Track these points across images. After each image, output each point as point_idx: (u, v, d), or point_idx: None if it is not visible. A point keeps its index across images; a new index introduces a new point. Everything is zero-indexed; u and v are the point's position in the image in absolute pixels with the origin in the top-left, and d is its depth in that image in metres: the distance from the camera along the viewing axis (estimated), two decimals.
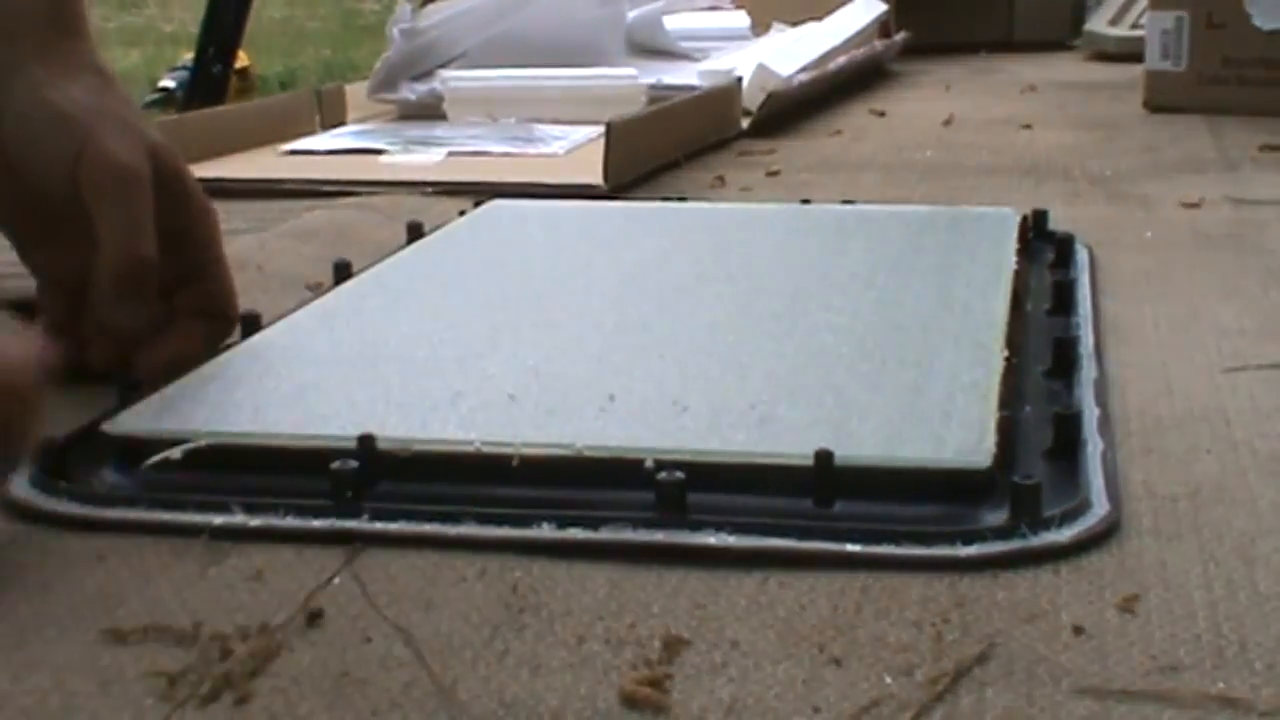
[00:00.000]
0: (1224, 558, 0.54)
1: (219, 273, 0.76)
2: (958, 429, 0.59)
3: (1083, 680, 0.45)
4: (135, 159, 0.69)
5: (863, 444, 0.59)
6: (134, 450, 0.62)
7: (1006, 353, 0.68)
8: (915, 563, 0.53)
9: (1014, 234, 0.91)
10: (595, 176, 1.24)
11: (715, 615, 0.50)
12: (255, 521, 0.57)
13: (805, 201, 1.09)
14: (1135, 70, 1.77)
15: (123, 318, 0.69)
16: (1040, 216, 1.01)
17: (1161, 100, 1.69)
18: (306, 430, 0.62)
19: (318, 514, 0.57)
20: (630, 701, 0.45)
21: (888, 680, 0.46)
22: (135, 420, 0.63)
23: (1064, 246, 0.95)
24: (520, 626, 0.50)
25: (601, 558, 0.54)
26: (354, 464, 0.58)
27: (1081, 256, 0.95)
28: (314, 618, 0.50)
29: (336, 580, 0.53)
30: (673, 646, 0.48)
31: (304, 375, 0.68)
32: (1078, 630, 0.48)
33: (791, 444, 0.58)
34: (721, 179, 1.32)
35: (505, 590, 0.52)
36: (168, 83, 3.95)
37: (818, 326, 0.73)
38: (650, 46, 1.93)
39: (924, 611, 0.50)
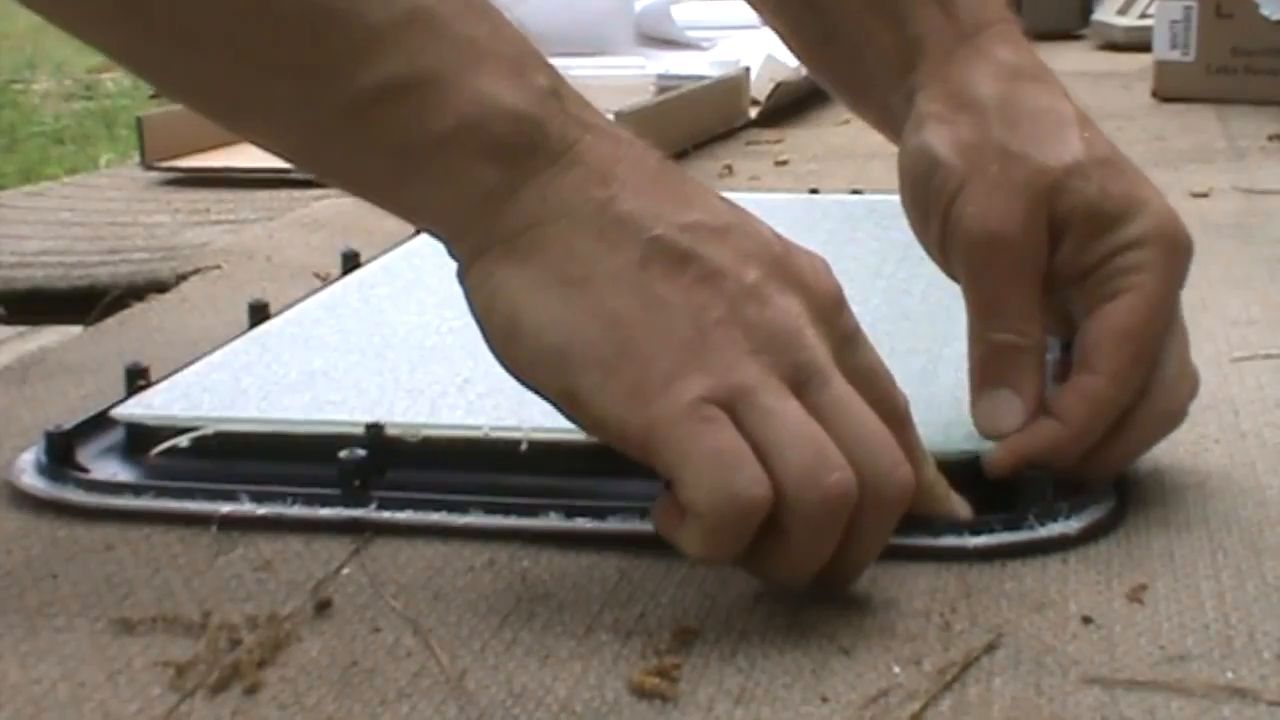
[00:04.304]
0: (1232, 548, 0.54)
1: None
2: (969, 415, 0.59)
3: (1091, 670, 0.45)
4: (1005, 222, 0.56)
5: None
6: (142, 438, 0.62)
7: None
8: (924, 552, 0.53)
9: None
10: None
11: (724, 605, 0.50)
12: (263, 510, 0.57)
13: (813, 191, 1.09)
14: (1144, 60, 1.77)
15: (1002, 416, 0.57)
16: None
17: (1170, 90, 1.68)
18: (315, 416, 0.62)
19: (325, 503, 0.57)
20: (639, 691, 0.45)
21: (896, 670, 0.46)
22: (144, 406, 0.63)
23: None
24: (529, 616, 0.50)
25: (609, 547, 0.54)
26: (362, 453, 0.58)
27: None
28: (322, 607, 0.50)
29: (345, 570, 0.53)
30: (681, 636, 0.48)
31: (312, 362, 0.68)
32: (1086, 620, 0.48)
33: None
34: (730, 168, 1.32)
35: (514, 580, 0.52)
36: None
37: None
38: (658, 36, 1.93)
39: (932, 601, 0.50)
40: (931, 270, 0.81)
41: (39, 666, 0.47)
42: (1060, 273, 0.57)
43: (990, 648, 0.47)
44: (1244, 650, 0.46)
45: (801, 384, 0.48)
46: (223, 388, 0.66)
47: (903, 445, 0.50)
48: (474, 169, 0.48)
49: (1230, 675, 0.45)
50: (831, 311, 0.50)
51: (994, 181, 0.57)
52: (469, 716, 0.44)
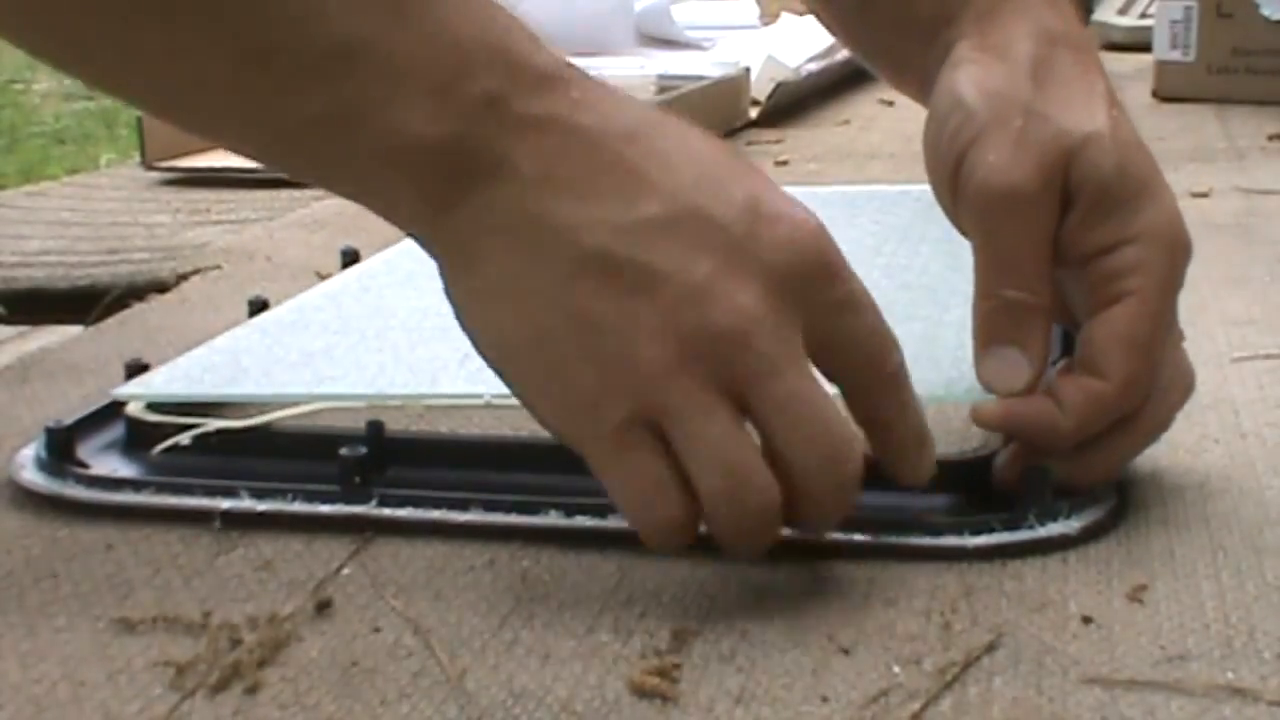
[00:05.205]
0: (1232, 547, 0.54)
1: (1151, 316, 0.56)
2: (970, 370, 0.58)
3: (1091, 670, 0.45)
4: (1025, 177, 0.55)
5: None
6: (142, 434, 0.62)
7: None
8: (923, 553, 0.53)
9: None
10: None
11: (724, 605, 0.50)
12: (263, 506, 0.57)
13: None
14: (1144, 60, 1.77)
15: (1009, 374, 0.56)
16: None
17: (1170, 90, 1.68)
18: (315, 390, 0.62)
19: (326, 499, 0.57)
20: (639, 691, 0.45)
21: (896, 670, 0.46)
22: (144, 386, 0.64)
23: None
24: (529, 616, 0.50)
25: (609, 546, 0.54)
26: (362, 449, 0.58)
27: None
28: (323, 607, 0.50)
29: (345, 570, 0.53)
30: (681, 636, 0.48)
31: (312, 344, 0.68)
32: (1086, 620, 0.48)
33: None
34: None
35: (514, 580, 0.52)
36: None
37: None
38: (658, 36, 1.93)
39: (932, 601, 0.50)
40: (929, 249, 0.81)
41: (39, 666, 0.47)
42: (1061, 246, 0.56)
43: (990, 647, 0.47)
44: (1244, 650, 0.46)
45: (743, 388, 0.48)
46: (223, 368, 0.66)
47: (889, 407, 0.51)
48: (403, 195, 0.49)
49: (1230, 675, 0.45)
50: (810, 282, 0.49)
51: (1016, 135, 0.56)
52: (469, 716, 0.44)
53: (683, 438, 0.48)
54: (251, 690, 0.45)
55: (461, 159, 0.48)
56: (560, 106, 0.49)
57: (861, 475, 0.50)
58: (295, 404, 0.63)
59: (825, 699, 0.44)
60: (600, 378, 0.47)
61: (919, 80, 0.63)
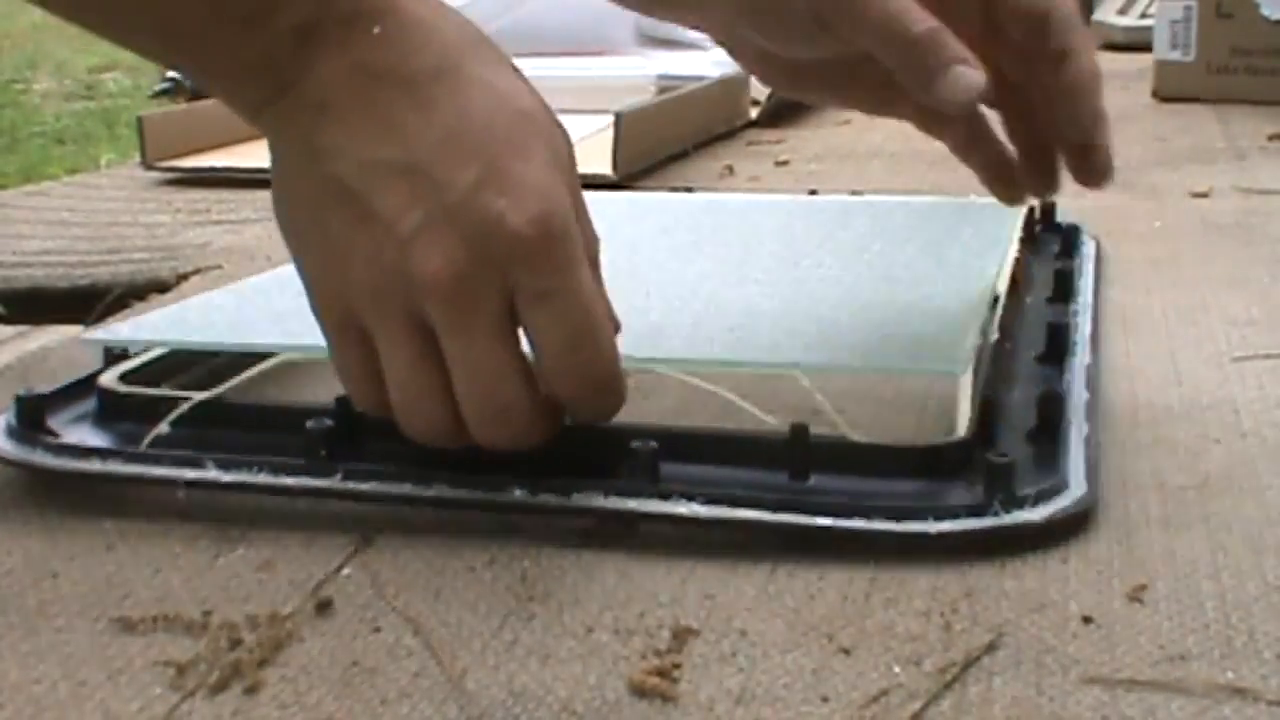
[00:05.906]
0: (1233, 547, 0.54)
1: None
2: (933, 347, 0.59)
3: (1091, 669, 0.45)
4: None
5: (839, 354, 0.59)
6: (114, 405, 0.63)
7: (998, 335, 0.67)
8: (886, 539, 0.53)
9: (1019, 219, 0.91)
10: (604, 166, 1.24)
11: (724, 605, 0.50)
12: (228, 477, 0.57)
13: (812, 192, 1.09)
14: (1144, 60, 1.77)
15: (970, 79, 0.60)
16: (1049, 208, 1.00)
17: (1170, 90, 1.68)
18: (284, 342, 0.64)
19: (291, 472, 0.57)
20: (639, 691, 0.45)
21: (896, 670, 0.46)
22: (111, 333, 0.65)
23: (1069, 237, 0.94)
24: (529, 616, 0.50)
25: (607, 542, 0.54)
26: (328, 423, 0.58)
27: (1088, 247, 0.94)
28: (323, 607, 0.50)
29: (345, 570, 0.53)
30: (681, 636, 0.48)
31: (284, 305, 0.69)
32: (1086, 620, 0.48)
33: (768, 354, 0.60)
34: (730, 168, 1.32)
35: (514, 580, 0.52)
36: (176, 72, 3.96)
37: (807, 278, 0.74)
38: (659, 36, 1.93)
39: (932, 601, 0.50)
40: (916, 249, 0.82)
41: (39, 666, 0.47)
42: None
43: (990, 647, 0.47)
44: (1244, 650, 0.46)
45: (433, 331, 0.53)
46: (194, 321, 0.68)
47: (581, 412, 0.56)
48: (232, 100, 0.56)
49: (1230, 675, 0.45)
50: (515, 262, 0.52)
51: None
52: (469, 716, 0.44)
53: (380, 352, 0.54)
54: (251, 690, 0.45)
55: (267, 77, 0.54)
56: (358, 42, 0.53)
57: (530, 434, 0.55)
58: (263, 356, 0.65)
59: (825, 699, 0.44)
60: (323, 283, 0.55)
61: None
